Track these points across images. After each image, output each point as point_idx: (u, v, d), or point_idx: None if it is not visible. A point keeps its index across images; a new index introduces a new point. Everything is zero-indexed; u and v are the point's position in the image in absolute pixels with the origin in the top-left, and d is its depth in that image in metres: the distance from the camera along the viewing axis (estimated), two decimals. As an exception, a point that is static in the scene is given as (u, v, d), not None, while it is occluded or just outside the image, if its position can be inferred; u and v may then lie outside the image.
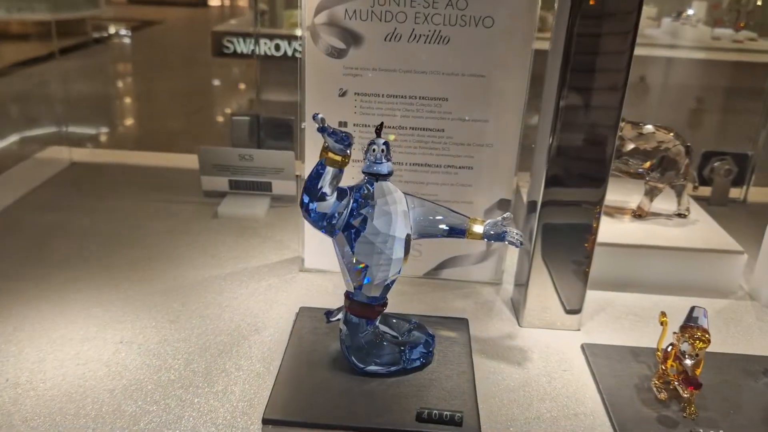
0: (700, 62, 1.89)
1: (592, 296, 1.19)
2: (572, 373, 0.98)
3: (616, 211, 1.36)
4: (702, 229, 1.31)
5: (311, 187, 0.77)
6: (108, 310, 1.07)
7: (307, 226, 1.00)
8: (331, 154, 0.76)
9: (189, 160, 1.68)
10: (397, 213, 0.80)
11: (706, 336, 0.85)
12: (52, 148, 1.79)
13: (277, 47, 2.91)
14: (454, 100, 1.10)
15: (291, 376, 0.84)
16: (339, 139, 0.75)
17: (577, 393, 0.94)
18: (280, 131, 1.66)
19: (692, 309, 0.88)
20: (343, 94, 1.10)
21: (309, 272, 1.22)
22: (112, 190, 1.59)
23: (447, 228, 0.86)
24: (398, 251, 0.79)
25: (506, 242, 0.86)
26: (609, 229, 1.29)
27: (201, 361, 0.96)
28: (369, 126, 1.11)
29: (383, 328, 0.89)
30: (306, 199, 0.77)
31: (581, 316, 1.11)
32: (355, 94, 1.10)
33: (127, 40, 5.52)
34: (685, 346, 0.86)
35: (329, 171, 0.77)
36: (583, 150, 0.99)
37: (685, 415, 0.88)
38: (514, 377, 0.96)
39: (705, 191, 1.67)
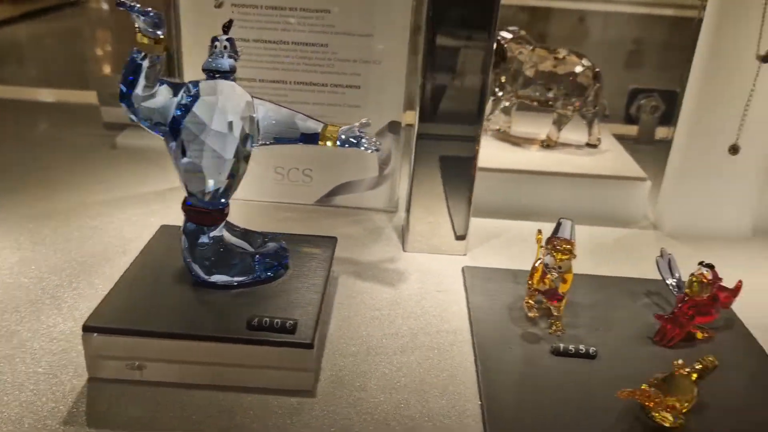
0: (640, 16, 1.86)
1: (490, 224, 1.15)
2: (446, 294, 0.94)
3: (526, 141, 1.31)
4: (610, 158, 1.27)
5: (125, 75, 0.71)
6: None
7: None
8: (141, 37, 0.70)
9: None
10: (224, 109, 0.74)
11: (567, 247, 0.81)
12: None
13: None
14: (337, 12, 1.04)
15: (127, 287, 0.79)
16: (148, 18, 0.69)
17: (445, 312, 0.90)
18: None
19: (559, 221, 0.84)
20: (219, 5, 1.04)
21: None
22: (13, 124, 1.53)
23: (301, 132, 0.81)
24: (228, 151, 0.74)
25: (362, 148, 0.81)
26: (514, 158, 1.24)
27: (54, 280, 0.91)
28: (248, 41, 1.05)
29: (237, 241, 0.84)
30: (124, 89, 0.72)
31: (468, 242, 1.07)
32: (233, 5, 1.04)
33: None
34: (548, 259, 0.81)
35: (145, 58, 0.71)
36: (457, 88, 0.96)
37: (550, 331, 0.85)
38: (383, 297, 0.92)
39: (632, 130, 1.62)
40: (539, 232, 0.87)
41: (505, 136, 1.33)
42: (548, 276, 0.83)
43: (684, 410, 0.69)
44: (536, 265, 0.85)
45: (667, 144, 1.22)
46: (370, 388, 0.75)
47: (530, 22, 1.86)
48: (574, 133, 1.34)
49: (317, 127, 0.81)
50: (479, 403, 0.73)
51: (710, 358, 0.72)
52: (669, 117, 1.58)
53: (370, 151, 0.81)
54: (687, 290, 0.82)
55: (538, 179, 1.18)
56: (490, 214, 1.17)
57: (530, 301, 0.88)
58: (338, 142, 0.81)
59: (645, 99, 1.57)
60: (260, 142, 0.81)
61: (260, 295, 0.79)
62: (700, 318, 0.83)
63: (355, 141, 0.81)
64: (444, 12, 0.92)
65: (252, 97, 0.80)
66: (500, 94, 1.29)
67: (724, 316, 0.91)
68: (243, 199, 1.15)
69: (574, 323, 0.87)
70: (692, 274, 0.82)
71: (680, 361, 0.70)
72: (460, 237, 1.04)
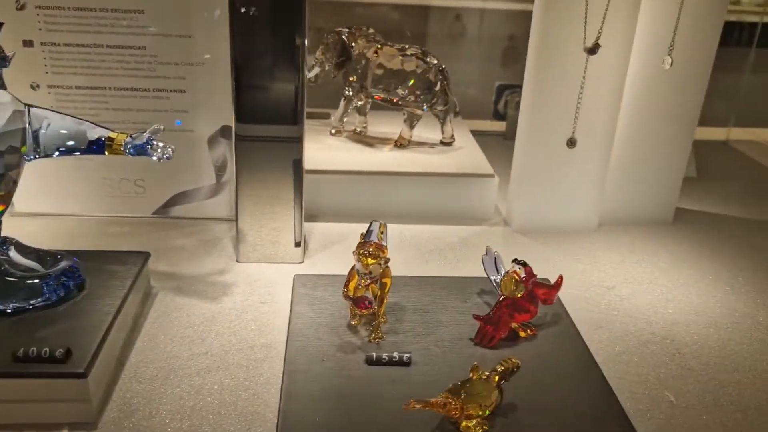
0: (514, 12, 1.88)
1: (336, 228, 1.11)
2: (271, 305, 0.89)
3: (380, 142, 1.28)
4: (462, 156, 1.25)
5: None
6: None
7: None
8: None
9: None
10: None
11: (376, 251, 0.77)
12: None
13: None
14: (151, 12, 0.98)
15: None
16: None
17: (266, 326, 0.85)
18: None
19: (370, 224, 0.81)
20: (21, 8, 0.96)
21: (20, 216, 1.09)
22: None
23: (88, 140, 0.75)
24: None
25: (153, 157, 0.76)
26: (366, 160, 1.21)
27: None
28: (59, 45, 0.98)
29: (27, 263, 0.78)
30: None
31: (307, 249, 1.03)
32: (37, 7, 0.97)
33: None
34: (358, 265, 0.78)
35: None
36: (270, 88, 0.92)
37: (369, 339, 0.81)
38: (200, 313, 0.86)
39: (502, 126, 1.62)
40: (363, 236, 0.84)
41: (360, 137, 1.30)
42: (363, 281, 0.79)
43: (484, 415, 0.66)
44: (351, 272, 0.81)
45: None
46: (160, 415, 0.69)
47: (403, 20, 1.84)
48: (431, 131, 1.32)
49: (104, 134, 0.76)
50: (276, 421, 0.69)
51: (513, 360, 0.70)
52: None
53: (160, 159, 0.76)
54: (501, 289, 0.79)
55: (388, 180, 1.15)
56: (338, 218, 1.13)
57: (356, 311, 0.84)
58: (125, 150, 0.75)
59: (511, 94, 1.57)
60: (41, 154, 0.74)
61: (41, 321, 0.73)
62: (519, 316, 0.81)
63: (143, 149, 0.75)
64: (247, 19, 0.88)
65: (28, 106, 0.73)
66: (350, 93, 1.25)
67: (552, 312, 0.89)
68: (72, 215, 1.07)
69: (396, 329, 0.84)
70: (506, 273, 0.80)
71: (476, 364, 0.67)
72: (298, 244, 1.00)
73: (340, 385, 0.73)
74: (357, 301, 0.78)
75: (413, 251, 1.06)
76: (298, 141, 0.94)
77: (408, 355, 0.77)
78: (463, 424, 0.67)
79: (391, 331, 0.83)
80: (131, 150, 0.75)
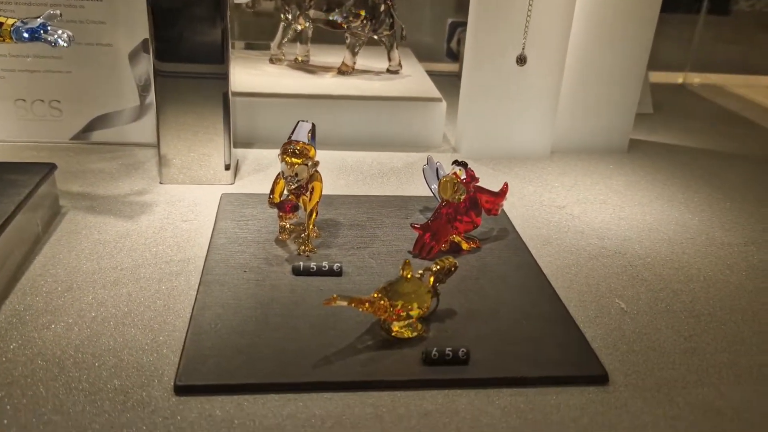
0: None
1: (272, 154, 1.03)
2: (192, 223, 0.81)
3: (321, 70, 1.21)
4: (409, 83, 1.18)
5: None
6: None
7: None
8: None
9: None
10: None
11: (301, 149, 0.70)
12: None
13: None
14: None
15: None
16: None
17: (185, 242, 0.77)
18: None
19: (297, 123, 0.73)
20: None
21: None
22: None
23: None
24: None
25: (48, 41, 0.67)
26: (306, 85, 1.13)
27: None
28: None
29: None
30: None
31: (234, 172, 0.95)
32: None
33: None
34: (282, 166, 0.70)
35: None
36: (191, 25, 0.85)
37: (298, 251, 0.74)
38: (113, 230, 0.78)
39: (454, 67, 1.56)
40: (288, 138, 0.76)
41: (301, 66, 1.22)
42: (290, 186, 0.72)
43: (415, 315, 0.60)
44: (277, 178, 0.74)
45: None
46: (57, 327, 0.61)
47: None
48: (377, 61, 1.25)
49: (-10, 20, 0.67)
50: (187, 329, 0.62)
51: (449, 259, 0.63)
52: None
53: (55, 45, 0.67)
54: (440, 193, 0.73)
55: (328, 104, 1.07)
56: (275, 145, 1.05)
57: (283, 224, 0.77)
58: (15, 36, 0.67)
59: (464, 32, 1.50)
60: None
61: None
62: (460, 225, 0.75)
63: (36, 34, 0.67)
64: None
65: None
66: (288, 17, 1.17)
67: (498, 227, 0.84)
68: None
69: (328, 243, 0.77)
70: (445, 176, 0.73)
71: (407, 261, 0.61)
72: (228, 167, 0.92)
73: (260, 295, 0.66)
74: (281, 206, 0.71)
75: (355, 175, 0.99)
76: (225, 77, 0.87)
77: (339, 264, 0.70)
78: (396, 327, 0.61)
79: (323, 245, 0.76)
80: (24, 34, 0.66)
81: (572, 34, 1.05)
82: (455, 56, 1.55)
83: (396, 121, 1.09)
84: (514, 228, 0.83)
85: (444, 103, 1.09)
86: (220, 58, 0.87)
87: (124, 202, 0.86)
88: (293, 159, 0.69)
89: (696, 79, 1.73)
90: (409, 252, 0.76)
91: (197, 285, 0.68)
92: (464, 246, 0.76)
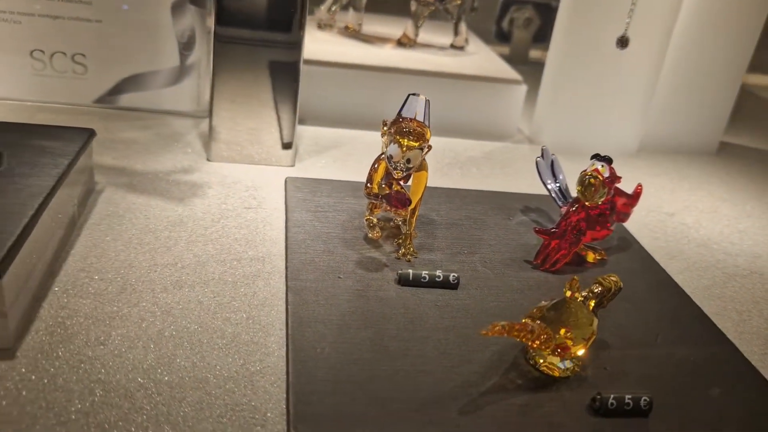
0: None
1: (332, 133, 0.90)
2: (258, 212, 0.67)
3: (378, 40, 1.06)
4: (479, 60, 1.04)
5: None
6: None
7: None
8: None
9: None
10: None
11: (418, 130, 0.57)
12: None
13: None
14: None
15: None
16: None
17: (254, 234, 0.63)
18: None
19: (407, 97, 0.60)
20: None
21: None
22: None
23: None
24: None
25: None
26: (364, 55, 0.98)
27: None
28: None
29: None
30: None
31: (297, 152, 0.81)
32: None
33: None
34: (392, 149, 0.57)
35: None
36: None
37: (398, 255, 0.61)
38: (164, 216, 0.64)
39: (504, 50, 1.42)
40: (384, 123, 0.63)
41: (354, 34, 1.08)
42: (394, 177, 0.58)
43: (578, 351, 0.47)
44: (377, 163, 0.60)
45: (542, 66, 1.02)
46: (111, 342, 0.47)
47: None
48: (438, 35, 1.11)
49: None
50: (285, 356, 0.48)
51: (612, 278, 0.51)
52: (544, 34, 1.40)
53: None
54: (579, 193, 0.60)
55: (390, 78, 0.93)
56: (328, 122, 0.92)
57: (371, 218, 0.63)
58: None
59: (519, 10, 1.37)
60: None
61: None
62: (592, 232, 0.62)
63: None
64: None
65: None
66: (345, -22, 1.03)
67: (617, 235, 0.71)
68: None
69: (429, 245, 0.64)
70: (584, 171, 0.61)
71: (575, 278, 0.48)
72: (287, 145, 0.78)
73: (367, 310, 0.53)
74: (394, 199, 0.57)
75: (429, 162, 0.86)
76: (297, 46, 0.73)
77: (456, 275, 0.57)
78: (545, 361, 0.48)
79: (422, 247, 0.63)
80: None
81: (679, 20, 0.93)
82: (506, 37, 1.41)
83: (468, 103, 0.95)
84: (633, 236, 0.71)
85: (525, 87, 0.96)
86: (294, 24, 0.72)
87: (169, 181, 0.71)
88: (410, 142, 0.55)
89: None
90: (527, 261, 0.63)
91: (283, 292, 0.55)
92: (590, 258, 0.64)
